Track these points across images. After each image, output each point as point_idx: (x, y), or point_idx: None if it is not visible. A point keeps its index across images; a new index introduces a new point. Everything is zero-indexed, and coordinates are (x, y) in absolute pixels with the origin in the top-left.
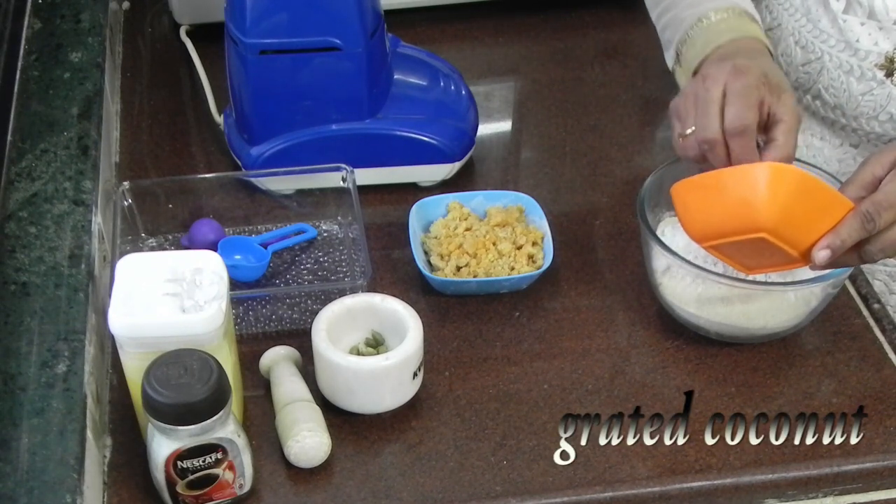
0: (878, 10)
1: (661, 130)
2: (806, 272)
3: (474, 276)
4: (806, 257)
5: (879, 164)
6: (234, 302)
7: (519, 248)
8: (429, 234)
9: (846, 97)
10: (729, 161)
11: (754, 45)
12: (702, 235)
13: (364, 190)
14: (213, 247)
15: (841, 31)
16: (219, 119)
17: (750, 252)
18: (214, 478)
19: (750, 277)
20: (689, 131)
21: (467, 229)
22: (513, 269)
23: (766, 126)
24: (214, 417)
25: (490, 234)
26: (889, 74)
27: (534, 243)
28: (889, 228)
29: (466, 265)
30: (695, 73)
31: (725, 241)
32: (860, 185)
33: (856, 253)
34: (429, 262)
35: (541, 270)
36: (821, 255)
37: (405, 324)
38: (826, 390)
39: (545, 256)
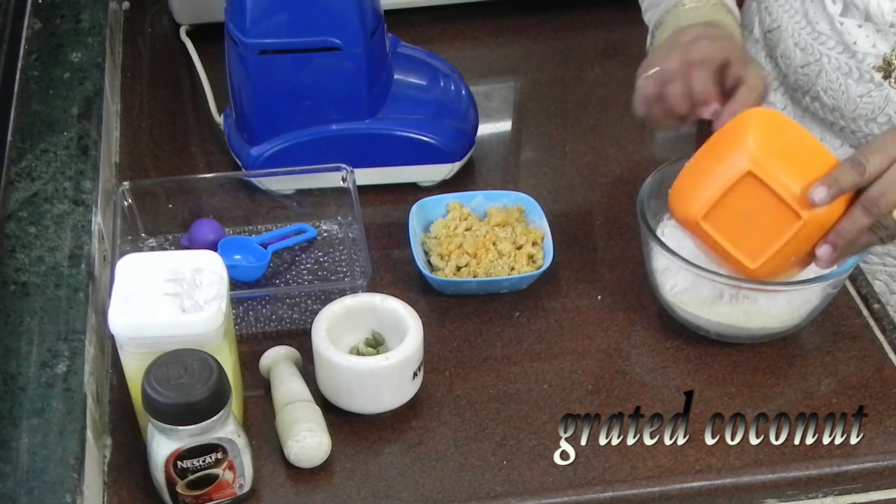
0: (874, 12)
1: (661, 130)
2: (807, 272)
3: (474, 276)
4: (803, 204)
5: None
6: (234, 302)
7: (519, 248)
8: (429, 234)
9: (844, 99)
10: (684, 98)
11: (719, 33)
12: (697, 208)
13: (364, 190)
14: (213, 247)
15: (839, 33)
16: (219, 119)
17: (747, 219)
18: (214, 478)
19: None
20: (652, 71)
21: (467, 229)
22: (513, 269)
23: (731, 90)
24: (214, 417)
25: (490, 234)
26: (887, 76)
27: (534, 243)
28: (885, 172)
29: (466, 265)
30: None
31: (719, 199)
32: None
33: (859, 206)
34: (429, 262)
35: (541, 270)
36: (818, 191)
37: (405, 324)
38: (826, 390)
39: (545, 256)
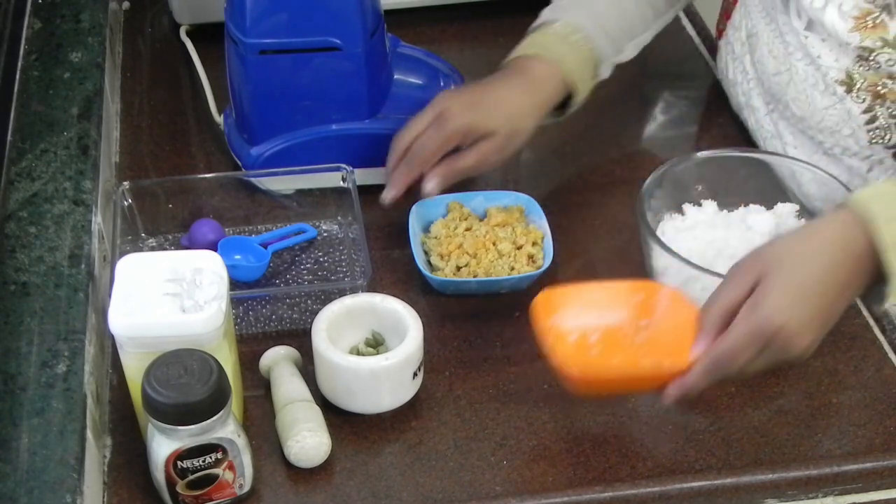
0: (831, 31)
1: (661, 130)
2: None
3: (474, 276)
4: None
5: (739, 288)
6: (234, 302)
7: (519, 248)
8: (429, 234)
9: (811, 110)
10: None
11: (538, 69)
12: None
13: (364, 190)
14: (213, 247)
15: (804, 46)
16: (219, 119)
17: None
18: (214, 478)
19: None
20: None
21: (467, 229)
22: (513, 269)
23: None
24: (214, 417)
25: (490, 234)
26: (849, 90)
27: (534, 243)
28: (741, 371)
29: (466, 265)
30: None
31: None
32: (721, 312)
33: (705, 370)
34: (429, 262)
35: (541, 270)
36: (669, 395)
37: (405, 324)
38: (826, 390)
39: (545, 256)
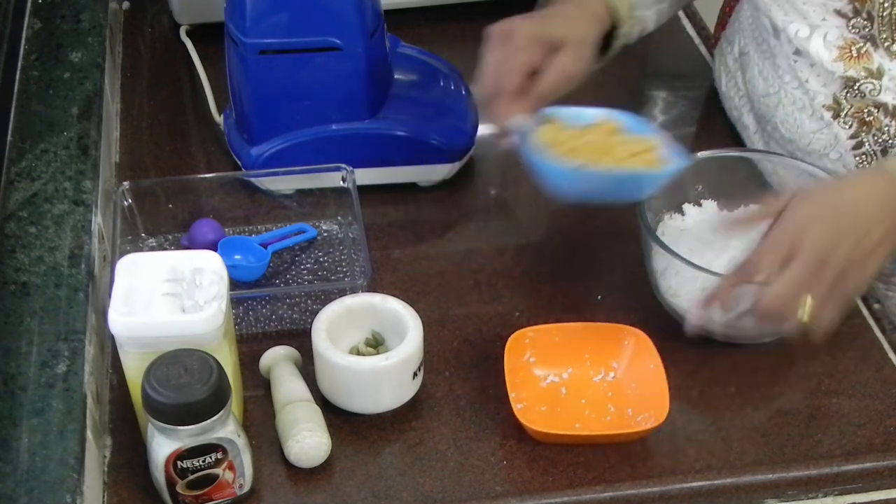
0: (816, 60)
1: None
2: None
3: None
4: None
5: (770, 208)
6: (234, 302)
7: (635, 155)
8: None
9: (799, 133)
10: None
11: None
12: None
13: (364, 190)
14: (213, 247)
15: (794, 70)
16: (219, 119)
17: None
18: (214, 478)
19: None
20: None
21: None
22: None
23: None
24: (214, 417)
25: (603, 142)
26: (836, 116)
27: (650, 150)
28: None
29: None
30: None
31: None
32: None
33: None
34: None
35: (679, 166)
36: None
37: (405, 324)
38: (826, 390)
39: (671, 157)
